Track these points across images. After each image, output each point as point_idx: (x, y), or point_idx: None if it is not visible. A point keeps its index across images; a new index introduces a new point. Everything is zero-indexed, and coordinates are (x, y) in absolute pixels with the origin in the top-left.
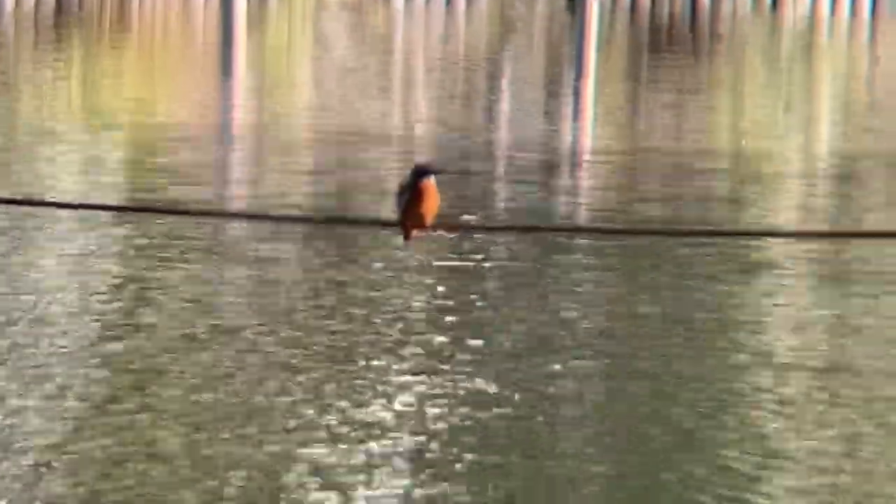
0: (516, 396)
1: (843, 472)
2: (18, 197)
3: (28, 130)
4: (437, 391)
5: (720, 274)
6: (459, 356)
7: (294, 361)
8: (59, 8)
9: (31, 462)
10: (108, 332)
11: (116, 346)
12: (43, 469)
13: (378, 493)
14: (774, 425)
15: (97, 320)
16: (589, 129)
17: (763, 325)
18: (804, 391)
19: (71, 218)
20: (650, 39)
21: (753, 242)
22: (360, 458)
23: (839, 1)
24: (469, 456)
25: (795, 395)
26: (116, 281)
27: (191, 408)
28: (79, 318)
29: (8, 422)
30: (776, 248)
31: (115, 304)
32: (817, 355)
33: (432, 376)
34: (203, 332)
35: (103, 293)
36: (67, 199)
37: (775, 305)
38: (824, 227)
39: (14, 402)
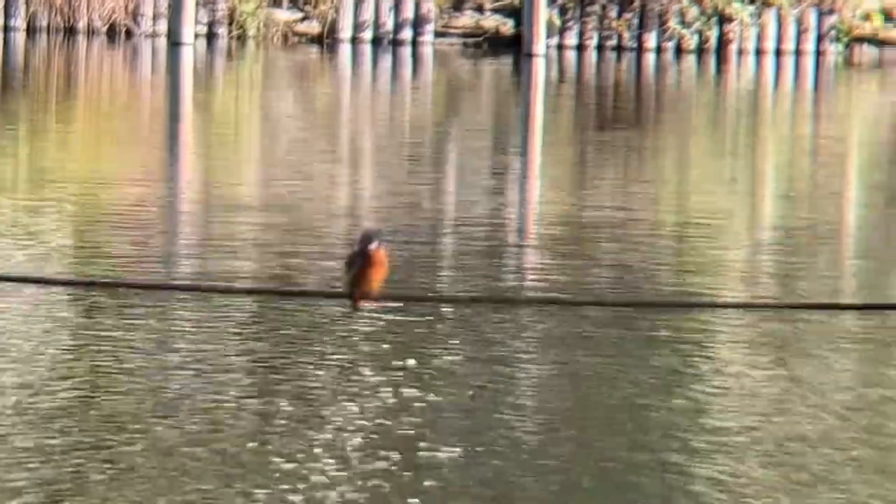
0: (453, 461)
1: None
2: None
3: None
4: (374, 460)
5: (666, 345)
6: (401, 430)
7: (236, 431)
8: (4, 71)
9: None
10: (54, 411)
11: (66, 423)
12: None
13: None
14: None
15: (41, 396)
16: (535, 198)
17: (708, 397)
18: (751, 463)
19: (15, 293)
20: (596, 103)
21: (699, 314)
22: None
23: (783, 70)
24: None
25: (744, 470)
26: (64, 357)
27: (131, 471)
28: (27, 398)
29: None
30: (721, 319)
31: (60, 380)
32: (761, 425)
33: (374, 454)
34: (150, 409)
35: (49, 371)
36: (11, 273)
37: (719, 377)
38: (769, 298)
39: None
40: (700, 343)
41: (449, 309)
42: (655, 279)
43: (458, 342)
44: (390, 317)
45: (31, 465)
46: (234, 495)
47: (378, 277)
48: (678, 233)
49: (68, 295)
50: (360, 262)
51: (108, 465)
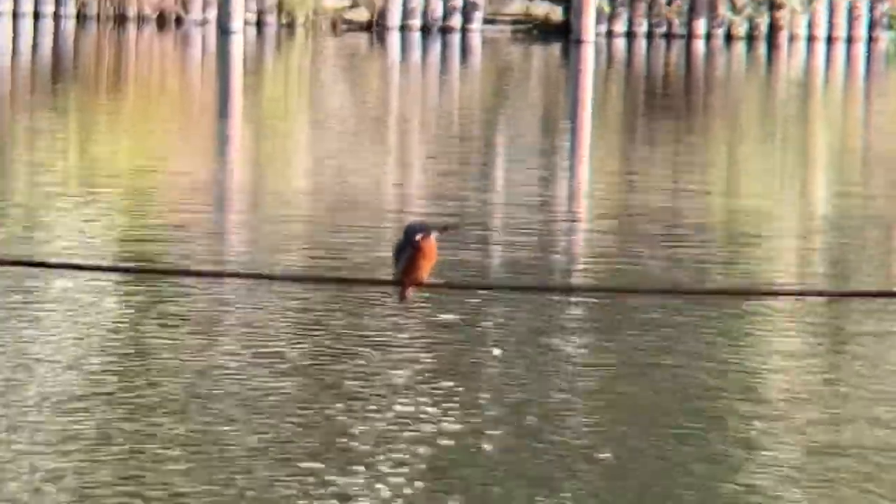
0: (511, 456)
1: None
2: (15, 258)
3: (24, 191)
4: (431, 452)
5: (717, 333)
6: (454, 415)
7: (289, 421)
8: (55, 58)
9: None
10: (103, 395)
11: (111, 410)
12: None
13: None
14: (769, 485)
15: (92, 383)
16: (584, 188)
17: (757, 384)
18: (797, 447)
19: (67, 279)
20: (645, 92)
21: (749, 302)
22: None
23: (834, 58)
24: None
25: (789, 453)
26: (112, 343)
27: (183, 471)
28: (72, 380)
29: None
30: (771, 308)
31: (110, 367)
32: (810, 414)
33: (426, 437)
34: (198, 395)
35: (100, 355)
36: (63, 260)
37: (769, 365)
38: (819, 286)
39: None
40: (752, 331)
41: (497, 296)
42: (706, 268)
43: (505, 329)
44: (437, 304)
45: (67, 450)
46: (275, 482)
47: (427, 267)
48: (728, 221)
49: (118, 281)
50: (408, 251)
51: (148, 450)
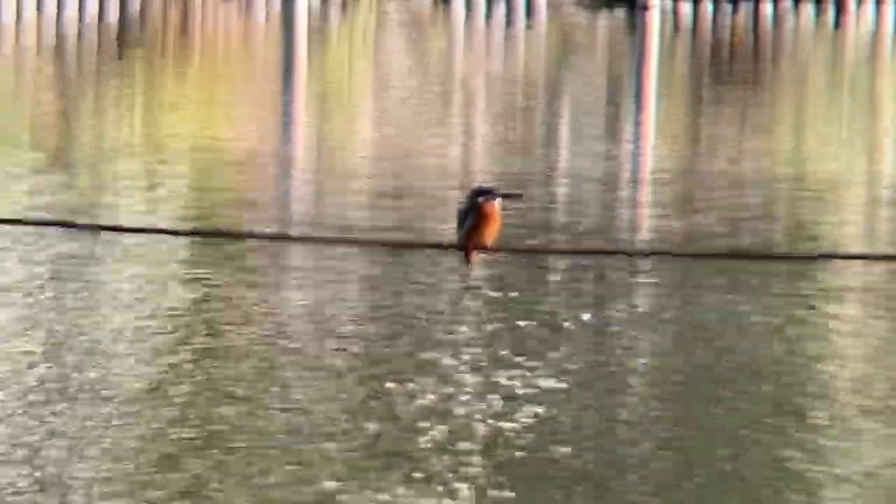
0: (572, 417)
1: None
2: (84, 222)
3: (93, 155)
4: (495, 412)
5: (784, 296)
6: (519, 377)
7: (353, 382)
8: (122, 26)
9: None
10: (173, 355)
11: (181, 369)
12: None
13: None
14: (829, 445)
15: (162, 344)
16: (650, 151)
17: (823, 347)
18: (858, 411)
19: (135, 242)
20: (711, 57)
21: (816, 265)
22: (408, 476)
23: None
24: (517, 476)
25: (848, 416)
26: (181, 303)
27: (254, 420)
28: (142, 339)
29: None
30: (838, 271)
31: (181, 326)
32: (872, 375)
33: (488, 398)
34: (266, 354)
35: (168, 316)
36: (131, 224)
37: (834, 328)
38: (887, 250)
39: (77, 423)
40: (815, 295)
41: (562, 260)
42: (770, 231)
43: (570, 293)
44: (502, 268)
45: (150, 407)
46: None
47: (491, 231)
48: (795, 185)
49: (185, 243)
50: (472, 216)
51: (226, 404)
